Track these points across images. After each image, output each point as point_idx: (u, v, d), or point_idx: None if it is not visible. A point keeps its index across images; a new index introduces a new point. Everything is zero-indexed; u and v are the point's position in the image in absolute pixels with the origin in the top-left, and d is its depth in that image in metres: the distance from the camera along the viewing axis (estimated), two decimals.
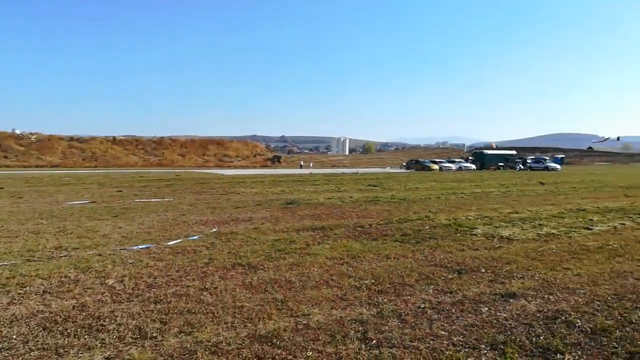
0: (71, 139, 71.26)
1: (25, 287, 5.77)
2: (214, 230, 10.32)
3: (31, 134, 69.69)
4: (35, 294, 5.49)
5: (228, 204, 15.83)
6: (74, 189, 22.50)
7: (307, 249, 8.26)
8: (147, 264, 7.06)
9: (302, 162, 72.56)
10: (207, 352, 3.97)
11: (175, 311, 4.94)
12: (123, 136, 79.58)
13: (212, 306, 5.12)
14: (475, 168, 59.38)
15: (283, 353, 3.99)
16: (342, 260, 7.38)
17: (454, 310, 5.10)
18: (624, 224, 11.17)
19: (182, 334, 4.34)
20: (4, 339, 4.17)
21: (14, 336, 4.25)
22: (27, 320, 4.62)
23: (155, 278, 6.26)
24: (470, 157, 69.68)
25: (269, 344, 4.17)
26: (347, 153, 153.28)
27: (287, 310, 5.02)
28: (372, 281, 6.19)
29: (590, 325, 4.60)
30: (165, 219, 12.05)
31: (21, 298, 5.34)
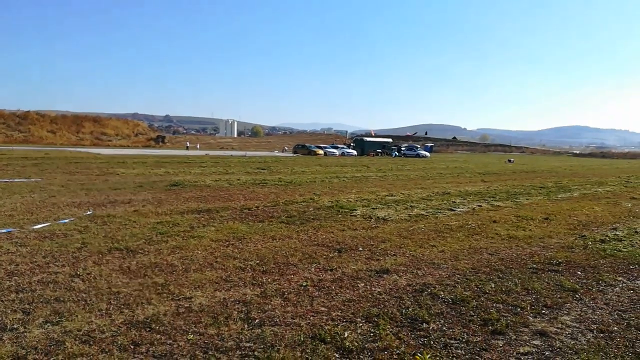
0: None
1: None
2: (89, 213, 9.59)
3: None
4: None
5: (105, 186, 14.75)
6: None
7: (192, 231, 8.07)
8: (8, 249, 6.35)
9: (188, 143, 69.84)
10: (77, 342, 3.74)
11: (41, 300, 4.55)
12: None
13: (84, 293, 4.80)
14: (356, 154, 62.54)
15: (162, 338, 3.91)
16: (227, 243, 7.36)
17: (333, 287, 5.40)
18: (481, 206, 12.65)
19: (48, 324, 4.02)
20: None
21: None
22: None
23: (17, 265, 5.66)
24: (352, 144, 73.21)
25: (148, 329, 4.05)
26: (235, 136, 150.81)
27: (168, 294, 4.90)
28: (257, 262, 6.29)
29: (452, 297, 5.19)
30: (31, 201, 10.86)
31: None
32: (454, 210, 11.64)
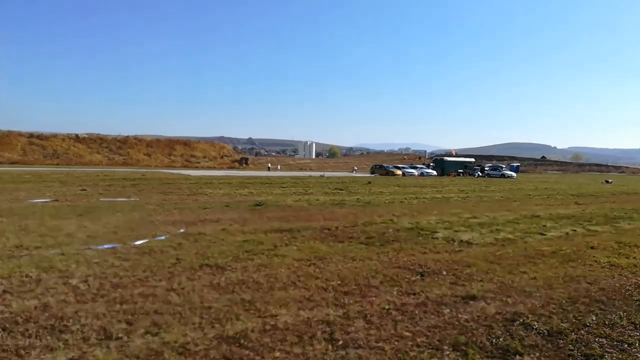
0: (31, 135, 68.64)
1: None
2: (182, 230, 10.24)
3: None
4: None
5: (195, 205, 15.69)
6: (35, 187, 21.75)
7: (275, 250, 8.32)
8: (113, 263, 6.97)
9: (269, 164, 72.36)
10: (174, 353, 3.99)
11: (142, 312, 4.92)
12: (86, 134, 77.10)
13: (179, 307, 5.12)
14: (436, 174, 60.86)
15: (251, 354, 4.06)
16: (309, 262, 7.49)
17: (417, 312, 5.28)
18: (575, 230, 11.74)
19: (148, 335, 4.34)
20: None
21: None
22: None
23: (121, 278, 6.19)
24: (431, 164, 71.49)
25: (237, 344, 4.23)
26: (313, 157, 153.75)
27: (255, 311, 5.08)
28: (339, 282, 6.33)
29: (547, 328, 4.85)
30: (131, 219, 11.85)
31: None
32: (544, 235, 10.92)
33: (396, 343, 4.42)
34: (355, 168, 72.54)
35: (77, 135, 73.81)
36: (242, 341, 4.29)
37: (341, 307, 5.33)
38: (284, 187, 26.36)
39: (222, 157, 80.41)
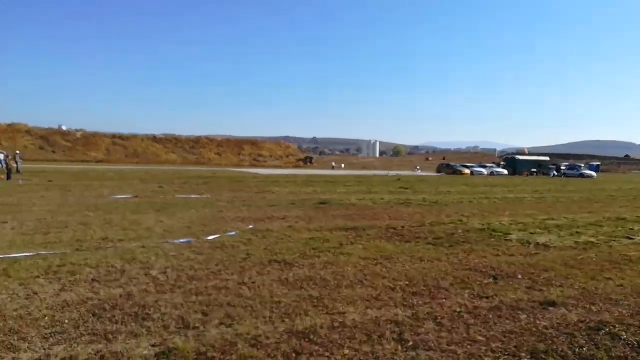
0: (114, 136, 73.77)
1: (75, 275, 6.10)
2: (251, 227, 10.56)
3: (77, 130, 72.53)
4: (85, 282, 5.80)
5: (263, 202, 16.12)
6: (118, 184, 23.39)
7: (341, 248, 8.35)
8: (188, 257, 7.33)
9: (333, 163, 72.72)
10: (247, 345, 4.12)
11: (216, 304, 5.13)
12: (163, 135, 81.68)
13: (251, 300, 5.28)
14: (507, 173, 58.05)
15: (320, 349, 4.10)
16: (375, 261, 7.44)
17: (491, 316, 5.08)
18: None
19: (222, 326, 4.51)
20: (57, 324, 4.43)
21: (66, 321, 4.51)
22: (77, 307, 4.90)
23: (196, 271, 6.49)
24: (502, 163, 68.25)
25: (307, 340, 4.29)
26: (377, 155, 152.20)
27: (323, 308, 5.13)
28: (407, 283, 6.23)
29: (637, 339, 4.48)
30: (204, 215, 12.40)
31: (72, 285, 5.65)
32: (632, 239, 10.09)
33: (469, 347, 4.27)
34: (418, 167, 70.87)
35: (154, 136, 78.36)
36: (311, 337, 4.35)
37: (410, 308, 5.25)
38: (348, 186, 26.39)
39: (287, 157, 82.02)
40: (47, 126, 70.27)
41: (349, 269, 6.88)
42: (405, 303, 5.42)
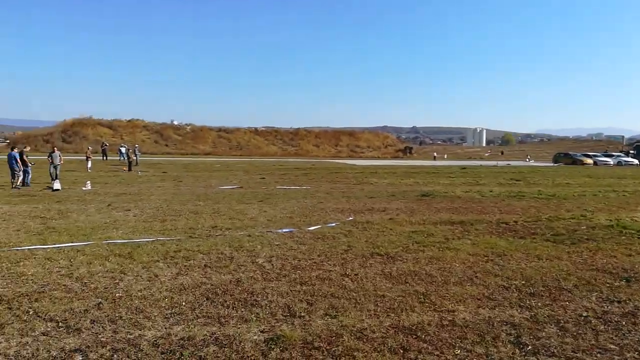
0: (220, 129, 78.40)
1: (189, 260, 6.49)
2: (350, 218, 10.51)
3: (187, 125, 78.34)
4: (198, 267, 6.14)
5: (362, 194, 16.02)
6: (224, 175, 24.81)
7: (447, 243, 7.95)
8: (291, 247, 7.46)
9: (435, 153, 70.37)
10: (352, 337, 4.04)
11: (320, 294, 5.12)
12: (264, 127, 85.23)
13: (354, 292, 5.20)
14: (638, 163, 51.57)
15: (429, 347, 3.88)
16: (486, 258, 6.96)
17: (624, 323, 4.47)
18: None
19: (327, 317, 4.48)
20: (176, 305, 4.72)
21: (183, 303, 4.78)
22: (193, 290, 5.18)
23: (299, 260, 6.57)
24: (631, 151, 60.67)
25: (414, 336, 4.09)
26: (484, 145, 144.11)
27: (430, 304, 4.88)
28: (522, 282, 5.73)
29: None
30: (304, 206, 12.62)
31: (187, 270, 6.01)
32: None
33: (599, 356, 3.79)
34: (529, 157, 65.79)
35: (256, 129, 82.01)
36: (418, 333, 4.14)
37: (527, 310, 4.80)
38: (452, 177, 25.31)
39: (385, 147, 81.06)
40: (161, 121, 76.80)
41: (457, 265, 6.50)
42: (521, 304, 4.97)
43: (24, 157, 17.08)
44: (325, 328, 4.21)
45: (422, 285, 5.51)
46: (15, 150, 17.37)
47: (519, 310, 4.77)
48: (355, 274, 5.92)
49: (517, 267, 6.41)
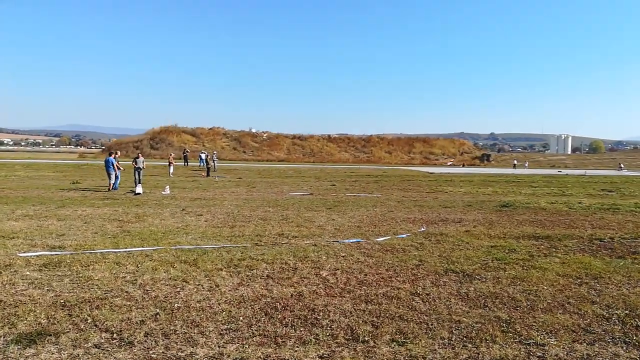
0: (294, 137, 79.86)
1: (252, 269, 6.30)
2: (422, 229, 9.90)
3: (263, 132, 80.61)
4: (260, 278, 5.92)
5: (435, 203, 15.23)
6: (295, 181, 24.94)
7: (532, 261, 7.13)
8: (358, 259, 7.05)
9: (515, 161, 66.52)
10: None
11: (387, 315, 4.66)
12: (336, 134, 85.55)
13: (426, 315, 4.68)
14: None
15: None
16: (579, 280, 6.10)
17: None
18: None
19: (394, 343, 4.02)
20: (233, 320, 4.48)
21: (241, 318, 4.53)
22: (252, 304, 4.93)
23: (365, 275, 6.15)
24: None
25: None
26: (569, 152, 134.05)
27: (515, 335, 4.25)
28: (626, 312, 4.89)
29: None
30: (374, 214, 12.15)
31: (249, 280, 5.80)
32: None
33: None
34: (622, 165, 59.96)
35: (329, 136, 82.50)
36: None
37: (636, 347, 4.02)
38: (535, 187, 23.53)
39: (461, 154, 78.06)
40: (240, 129, 79.66)
41: (545, 287, 5.74)
42: (627, 339, 4.20)
43: (116, 162, 18.31)
44: (392, 357, 3.76)
45: (505, 311, 4.86)
46: (112, 156, 18.63)
47: (624, 348, 4.02)
48: (427, 294, 5.39)
49: (617, 293, 5.54)
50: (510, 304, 5.09)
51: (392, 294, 5.33)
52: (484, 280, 6.02)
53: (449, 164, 69.80)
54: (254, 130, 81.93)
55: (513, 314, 4.78)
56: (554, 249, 8.06)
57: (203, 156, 38.71)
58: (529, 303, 5.12)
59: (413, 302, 5.07)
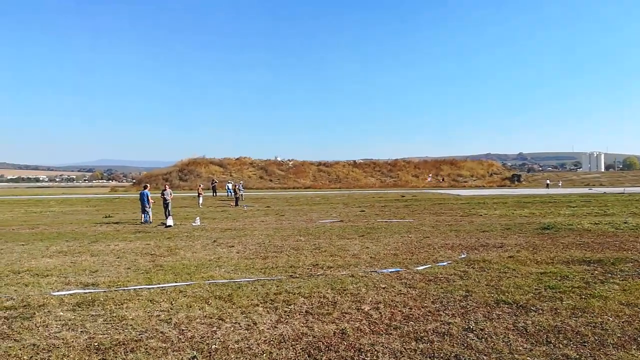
0: (319, 163, 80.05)
1: (290, 305, 5.99)
2: (463, 256, 9.42)
3: (289, 160, 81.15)
4: (299, 314, 5.60)
5: (472, 227, 14.66)
6: (324, 208, 24.66)
7: (589, 288, 6.60)
8: (400, 290, 6.65)
9: (548, 180, 64.72)
10: None
11: (441, 355, 4.26)
12: (362, 160, 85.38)
13: (485, 355, 4.25)
14: None
15: None
16: None
17: None
18: None
19: None
20: None
21: None
22: (293, 343, 4.61)
23: (410, 308, 5.75)
24: None
25: None
26: (602, 170, 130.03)
27: None
28: None
29: None
30: (409, 241, 11.72)
31: (287, 317, 5.49)
32: None
33: None
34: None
35: (354, 162, 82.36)
36: None
37: None
38: (573, 207, 22.61)
39: (490, 175, 76.49)
40: (266, 158, 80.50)
41: (610, 319, 5.23)
42: None
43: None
44: None
45: (572, 348, 4.39)
46: (147, 189, 18.86)
47: None
48: (481, 329, 4.95)
49: None
50: (575, 339, 4.62)
51: (443, 330, 4.92)
52: (541, 312, 5.54)
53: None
54: (279, 159, 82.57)
55: (582, 351, 4.31)
56: (609, 275, 7.48)
57: (230, 186, 38.95)
58: (596, 338, 4.64)
59: (467, 339, 4.65)
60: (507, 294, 6.34)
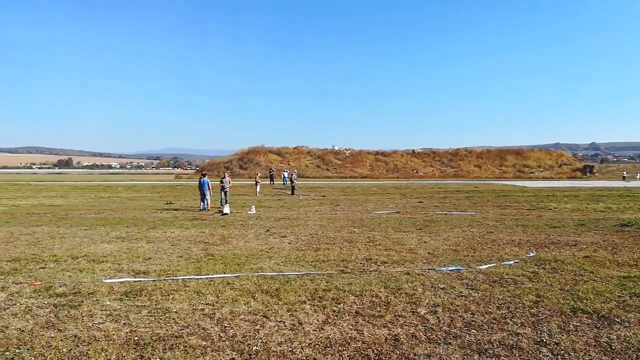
0: (377, 153, 78.84)
1: (339, 303, 5.61)
2: (532, 254, 8.61)
3: (346, 149, 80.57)
4: (348, 314, 5.20)
5: (541, 222, 13.56)
6: (380, 199, 24.04)
7: None
8: (461, 292, 6.07)
9: (625, 172, 59.85)
10: None
11: None
12: (421, 149, 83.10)
13: None
14: None
15: None
16: None
17: None
18: None
19: None
20: None
21: None
22: (339, 349, 4.23)
23: (472, 314, 5.18)
24: None
25: None
26: None
27: None
28: None
29: None
30: (471, 236, 10.96)
31: (335, 317, 5.11)
32: None
33: None
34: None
35: (413, 151, 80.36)
36: None
37: None
38: None
39: (559, 166, 71.94)
40: (323, 147, 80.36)
41: None
42: None
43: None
44: None
45: None
46: (207, 177, 19.26)
47: None
48: (556, 343, 4.32)
49: None
50: None
51: (511, 342, 4.34)
52: (627, 324, 4.79)
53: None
54: (336, 148, 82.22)
55: None
56: None
57: (286, 174, 39.15)
58: None
59: (541, 356, 4.04)
60: (585, 301, 5.60)
